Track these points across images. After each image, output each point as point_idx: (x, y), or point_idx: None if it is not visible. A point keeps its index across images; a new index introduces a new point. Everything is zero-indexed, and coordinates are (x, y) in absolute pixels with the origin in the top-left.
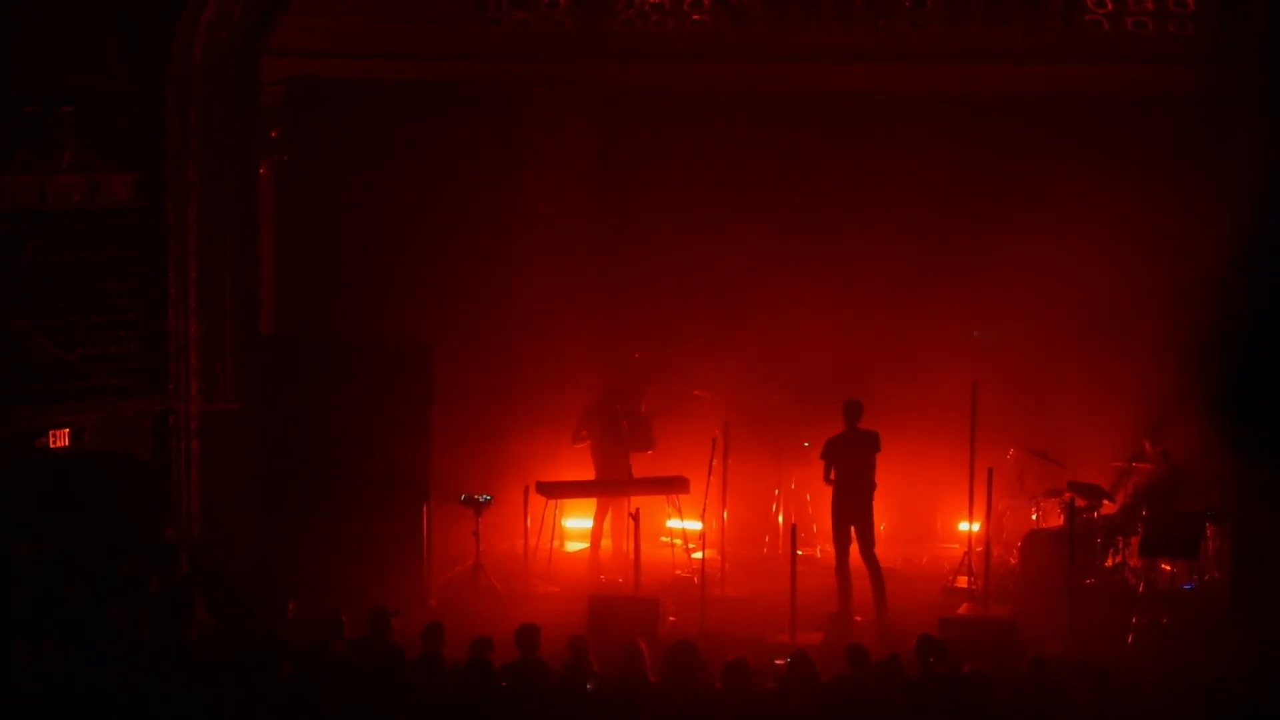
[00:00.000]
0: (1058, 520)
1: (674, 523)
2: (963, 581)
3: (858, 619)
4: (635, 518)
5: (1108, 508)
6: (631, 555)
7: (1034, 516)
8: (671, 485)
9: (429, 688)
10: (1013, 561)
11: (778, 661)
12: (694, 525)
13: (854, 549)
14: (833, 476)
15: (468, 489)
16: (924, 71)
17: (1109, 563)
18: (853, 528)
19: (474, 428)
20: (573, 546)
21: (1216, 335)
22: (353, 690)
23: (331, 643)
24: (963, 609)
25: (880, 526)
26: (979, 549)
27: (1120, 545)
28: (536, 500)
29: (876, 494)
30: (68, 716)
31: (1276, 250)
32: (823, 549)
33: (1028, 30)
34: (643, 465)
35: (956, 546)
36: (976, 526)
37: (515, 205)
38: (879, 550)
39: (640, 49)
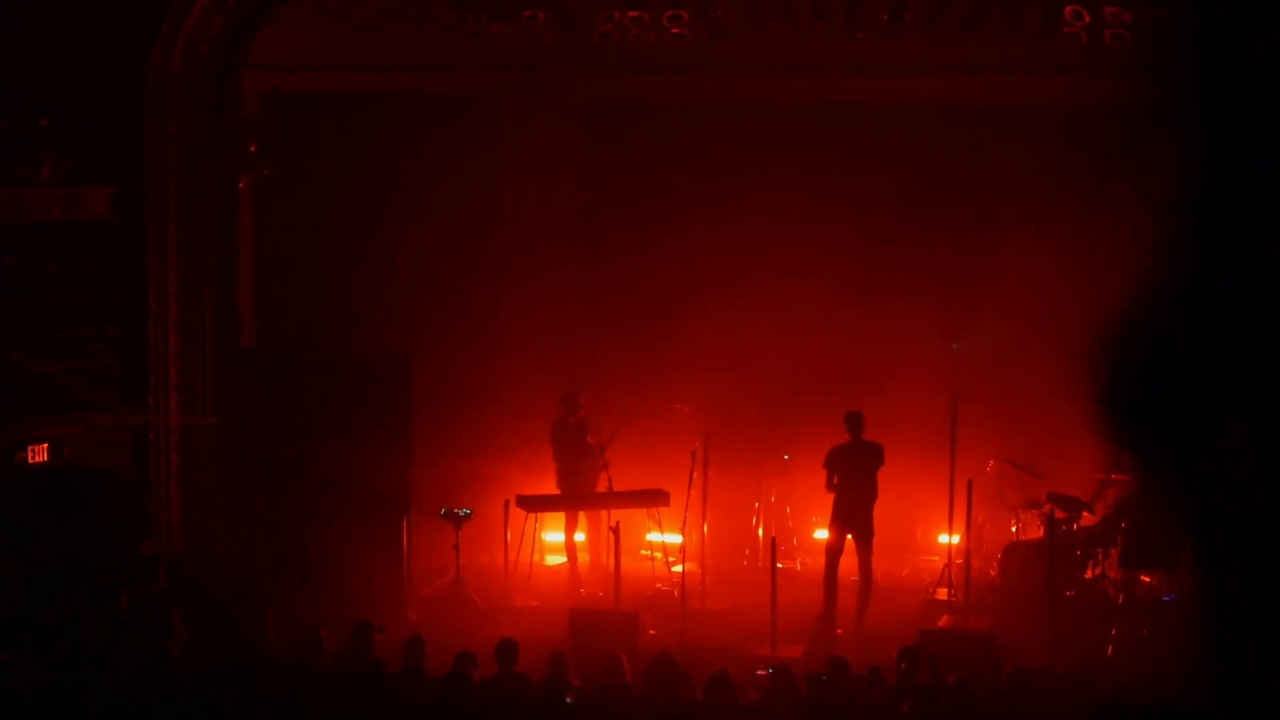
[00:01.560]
0: (1037, 532)
1: (654, 536)
2: (943, 593)
3: (839, 631)
4: (615, 531)
5: (1087, 519)
6: (612, 569)
7: (1014, 528)
8: (651, 499)
9: (409, 701)
10: (993, 573)
11: (759, 672)
12: (674, 538)
13: (845, 561)
14: (834, 483)
15: (448, 502)
16: (902, 83)
17: (1089, 574)
18: (851, 537)
19: (454, 441)
20: (553, 560)
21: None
22: (333, 703)
23: (312, 656)
24: (943, 621)
25: None
26: (959, 561)
27: (1100, 557)
28: (517, 514)
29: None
30: None
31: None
32: (803, 561)
33: (1005, 43)
34: (622, 478)
35: (936, 558)
36: (956, 538)
37: (495, 217)
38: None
39: (620, 61)
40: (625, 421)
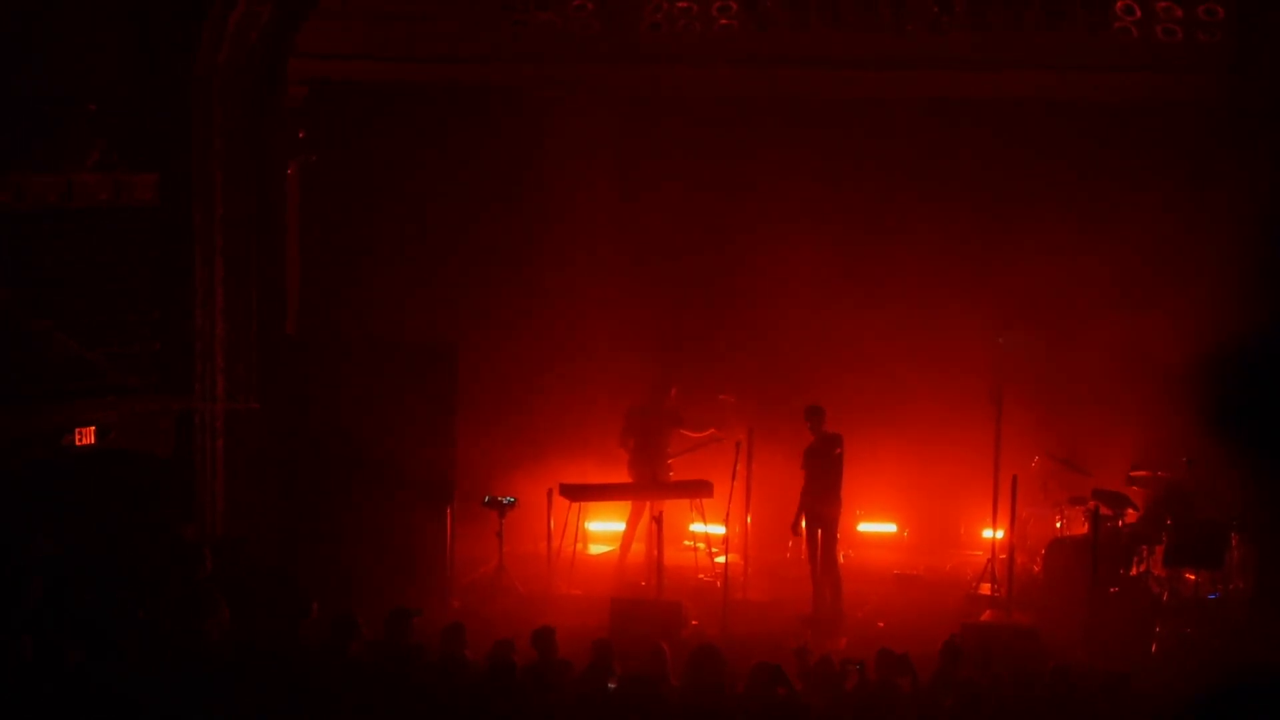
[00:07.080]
0: (1082, 528)
1: (697, 527)
2: (986, 588)
3: (880, 625)
4: (658, 521)
5: (1132, 516)
6: (655, 559)
7: (1058, 524)
8: (695, 489)
9: (448, 688)
10: (1036, 569)
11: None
12: (717, 529)
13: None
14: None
15: (491, 490)
16: (948, 78)
17: (1133, 571)
18: (820, 532)
19: (498, 429)
20: (596, 549)
21: (1227, 345)
22: (371, 691)
23: (350, 643)
24: (985, 615)
25: (904, 532)
26: (1002, 556)
27: (1144, 554)
28: (560, 503)
29: (900, 497)
30: (88, 716)
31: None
32: (845, 554)
33: (1052, 37)
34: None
35: (980, 553)
36: (1000, 533)
37: (541, 207)
38: (904, 556)
39: (667, 52)
40: (713, 440)
